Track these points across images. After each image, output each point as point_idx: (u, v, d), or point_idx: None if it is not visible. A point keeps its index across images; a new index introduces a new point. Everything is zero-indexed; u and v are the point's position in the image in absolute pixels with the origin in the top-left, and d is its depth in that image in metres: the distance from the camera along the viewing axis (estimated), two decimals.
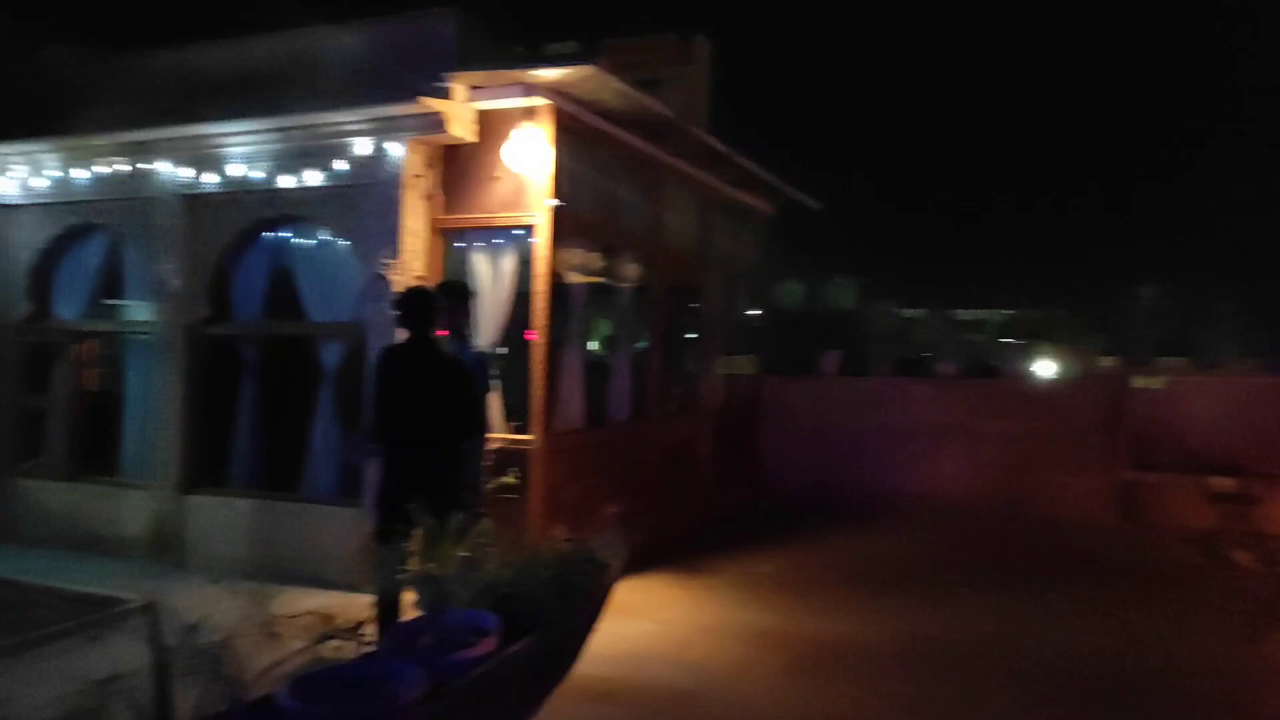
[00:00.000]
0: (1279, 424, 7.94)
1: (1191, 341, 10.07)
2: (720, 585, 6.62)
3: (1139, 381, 9.29)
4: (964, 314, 35.47)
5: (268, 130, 6.59)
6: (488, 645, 2.65)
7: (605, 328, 8.48)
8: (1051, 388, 10.53)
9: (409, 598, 3.21)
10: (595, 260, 7.12)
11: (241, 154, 6.75)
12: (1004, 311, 32.92)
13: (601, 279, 7.36)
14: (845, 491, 9.69)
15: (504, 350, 6.83)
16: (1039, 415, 9.54)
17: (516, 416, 6.35)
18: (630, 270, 7.60)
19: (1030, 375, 11.29)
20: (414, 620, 2.94)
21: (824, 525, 8.78)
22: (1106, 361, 10.46)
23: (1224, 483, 7.07)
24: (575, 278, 6.89)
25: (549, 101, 6.14)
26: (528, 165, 6.16)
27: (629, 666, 4.79)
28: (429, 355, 4.59)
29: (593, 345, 8.44)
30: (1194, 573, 7.19)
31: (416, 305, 4.61)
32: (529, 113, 6.15)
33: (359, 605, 3.63)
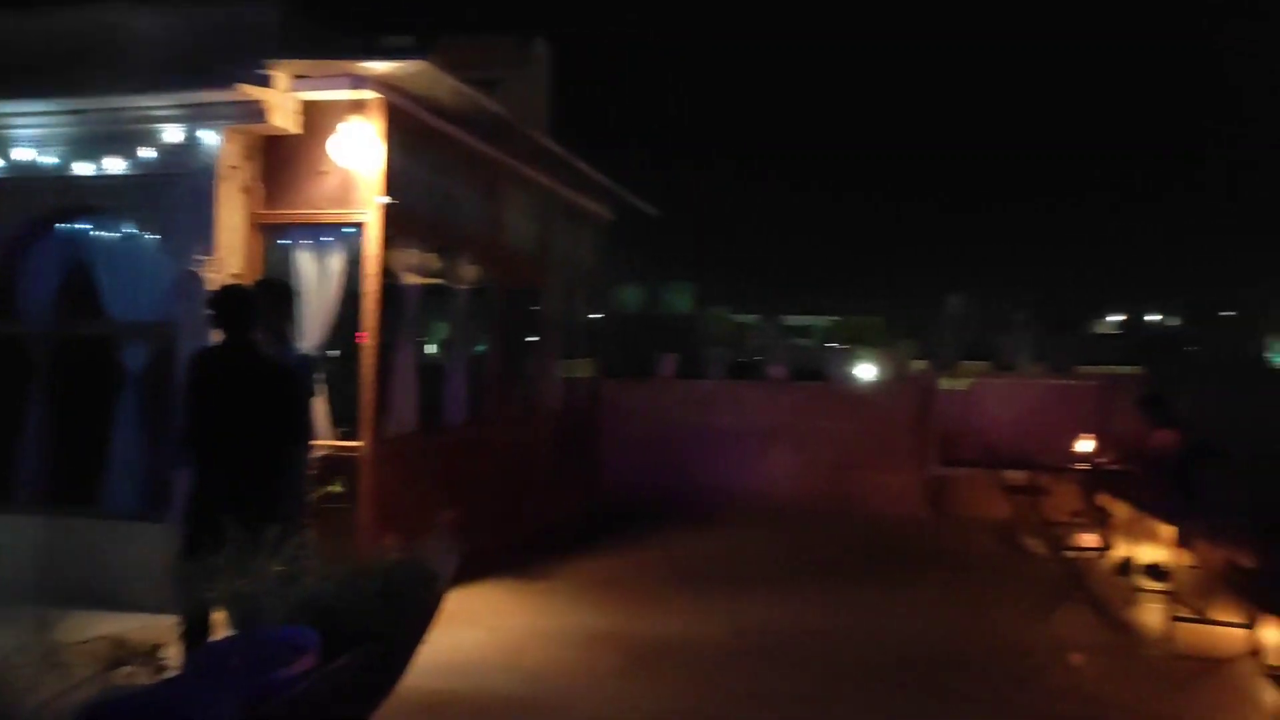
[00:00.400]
0: (1063, 421, 8.79)
1: (992, 347, 10.98)
2: (557, 590, 6.61)
3: (946, 384, 10.04)
4: (793, 320, 37.18)
5: (63, 112, 6.01)
6: (306, 662, 2.53)
7: (442, 330, 8.28)
8: (870, 390, 11.18)
9: (221, 617, 3.01)
10: (431, 261, 6.94)
11: (31, 137, 6.12)
12: (829, 317, 34.75)
13: (437, 280, 7.18)
14: (683, 493, 9.91)
15: (334, 353, 6.54)
16: (859, 416, 10.11)
17: (345, 422, 6.10)
18: (468, 271, 7.46)
19: (852, 378, 11.93)
20: (224, 640, 2.76)
21: (661, 526, 8.94)
22: (919, 365, 11.21)
23: (1017, 476, 7.73)
24: (409, 278, 6.69)
25: (379, 95, 5.93)
26: (356, 160, 5.92)
27: (461, 676, 4.69)
28: (246, 358, 4.33)
29: (429, 348, 8.22)
30: (993, 559, 7.85)
31: (232, 305, 4.34)
32: (358, 106, 5.91)
33: (162, 628, 3.37)
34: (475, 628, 5.48)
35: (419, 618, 3.18)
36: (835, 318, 33.85)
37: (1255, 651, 3.80)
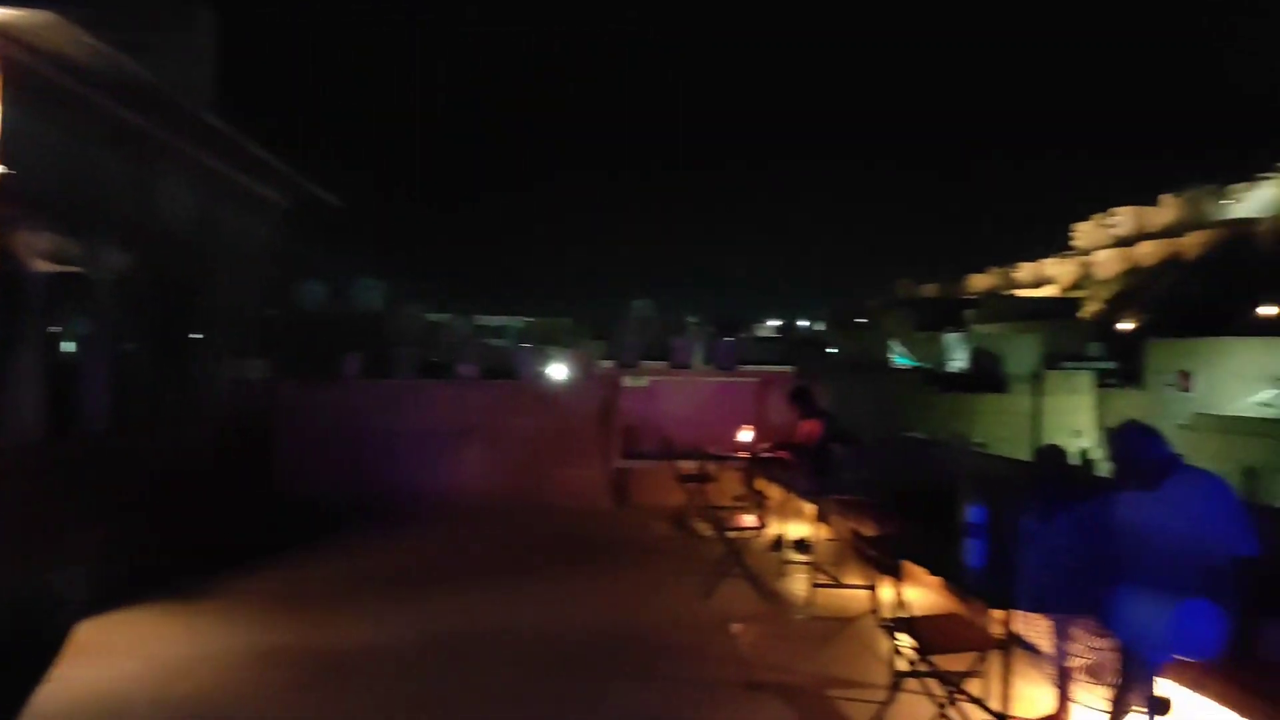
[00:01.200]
0: (729, 414, 9.67)
1: (668, 347, 11.79)
2: (226, 608, 6.05)
3: (629, 382, 10.61)
4: (487, 319, 37.22)
5: None
6: None
7: (81, 325, 7.24)
8: (560, 388, 11.51)
9: None
10: (66, 245, 6.05)
11: None
12: (522, 318, 35.27)
13: (74, 268, 6.28)
14: (371, 497, 9.53)
15: None
16: (549, 413, 10.37)
17: None
18: (114, 259, 6.59)
19: (543, 377, 12.20)
20: None
21: (348, 532, 8.52)
22: (605, 364, 11.74)
23: (688, 466, 8.37)
24: (35, 264, 5.77)
25: None
26: None
27: (98, 713, 4.12)
28: None
29: (66, 345, 7.15)
30: (669, 544, 8.43)
31: None
32: None
33: None
34: (122, 658, 4.85)
35: (33, 654, 2.75)
36: (528, 318, 34.44)
37: (875, 608, 4.45)
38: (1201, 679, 3.31)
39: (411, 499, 9.60)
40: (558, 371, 12.96)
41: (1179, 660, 2.95)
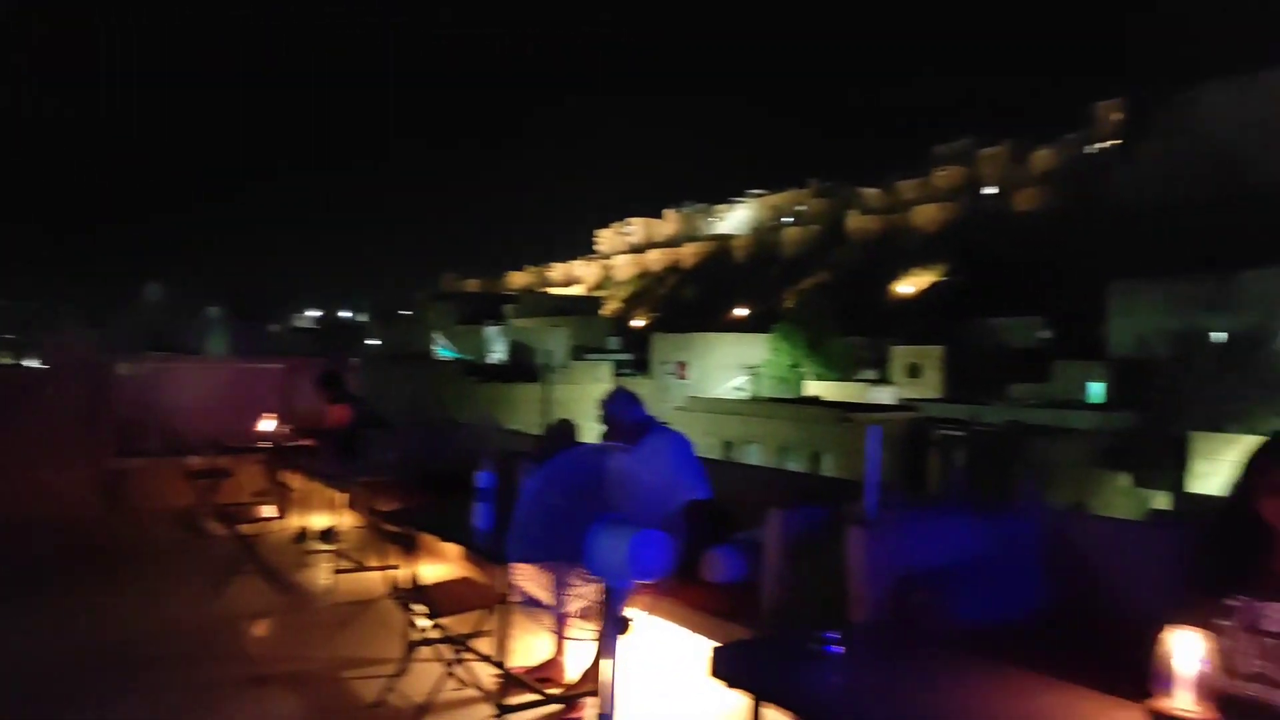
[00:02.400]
0: (248, 404, 8.95)
1: (184, 334, 10.61)
2: None
3: (126, 369, 9.31)
4: None
5: None
6: None
7: None
8: (35, 379, 9.72)
9: None
10: None
11: None
12: None
13: None
14: None
15: None
16: (20, 409, 8.70)
17: None
18: None
19: (13, 367, 10.21)
20: None
21: None
22: (99, 351, 10.17)
23: (197, 461, 7.61)
24: None
25: None
26: None
27: None
28: None
29: None
30: (174, 547, 7.58)
31: None
32: None
33: None
34: None
35: None
36: None
37: (394, 585, 4.48)
38: (656, 601, 3.92)
39: None
40: (33, 360, 10.93)
41: (640, 586, 3.45)
